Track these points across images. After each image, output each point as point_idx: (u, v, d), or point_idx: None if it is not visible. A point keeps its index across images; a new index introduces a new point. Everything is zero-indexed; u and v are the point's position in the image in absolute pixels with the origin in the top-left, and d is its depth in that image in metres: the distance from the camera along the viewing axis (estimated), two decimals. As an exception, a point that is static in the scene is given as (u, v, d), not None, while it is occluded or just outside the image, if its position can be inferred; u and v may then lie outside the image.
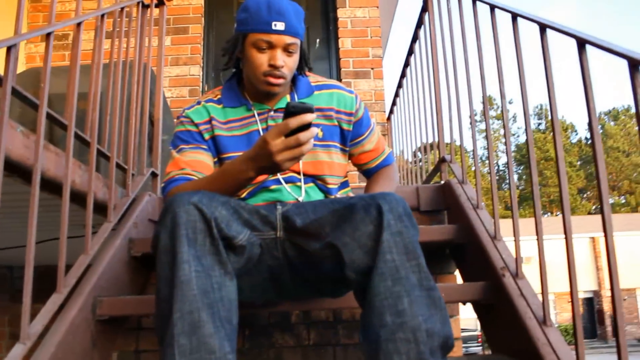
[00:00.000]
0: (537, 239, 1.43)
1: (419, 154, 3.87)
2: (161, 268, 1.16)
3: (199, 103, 1.56)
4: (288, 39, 1.42)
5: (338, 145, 1.59)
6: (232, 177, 1.31)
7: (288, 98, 1.55)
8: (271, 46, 1.42)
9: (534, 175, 1.40)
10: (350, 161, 1.70)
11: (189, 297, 1.10)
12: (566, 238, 1.37)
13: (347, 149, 1.63)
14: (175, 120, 1.58)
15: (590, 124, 1.11)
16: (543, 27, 1.39)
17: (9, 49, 1.36)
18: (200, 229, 1.16)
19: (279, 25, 1.41)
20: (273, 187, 1.50)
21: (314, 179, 1.54)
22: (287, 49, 1.43)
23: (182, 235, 1.14)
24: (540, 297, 1.48)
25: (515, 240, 1.60)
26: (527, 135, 1.47)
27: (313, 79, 1.62)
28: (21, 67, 4.55)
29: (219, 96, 1.57)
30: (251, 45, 1.43)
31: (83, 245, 1.73)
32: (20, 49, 4.95)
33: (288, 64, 1.44)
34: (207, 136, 1.52)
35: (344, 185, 1.65)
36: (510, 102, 44.40)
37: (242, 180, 1.30)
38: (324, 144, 1.55)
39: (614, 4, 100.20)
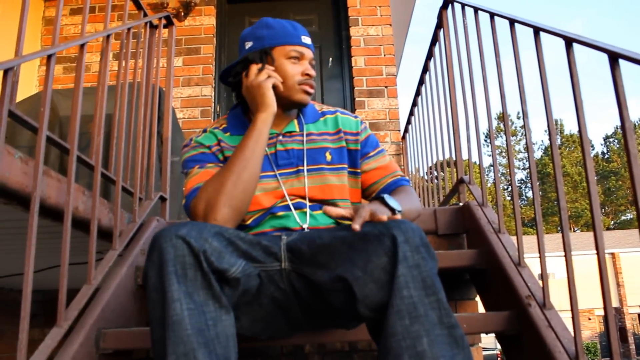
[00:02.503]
0: (567, 272, 1.33)
1: (434, 172, 3.78)
2: (152, 307, 1.09)
3: (205, 131, 1.55)
4: (312, 54, 1.51)
5: (348, 167, 1.54)
6: (247, 140, 1.37)
7: (295, 122, 1.54)
8: (301, 58, 1.48)
9: (562, 200, 1.31)
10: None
11: (182, 337, 1.03)
12: (598, 256, 1.26)
13: (359, 171, 1.57)
14: (183, 148, 1.53)
15: (626, 146, 1.02)
16: (569, 42, 1.31)
17: (6, 71, 1.30)
18: (190, 264, 1.09)
19: (307, 40, 1.51)
20: (280, 213, 1.44)
21: (323, 204, 1.47)
22: (311, 63, 1.50)
23: (171, 272, 1.07)
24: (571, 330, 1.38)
25: (542, 270, 1.50)
26: (552, 156, 1.38)
27: (318, 106, 1.63)
28: (33, 90, 4.55)
29: (224, 125, 1.56)
30: (282, 56, 1.47)
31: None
32: (33, 72, 4.96)
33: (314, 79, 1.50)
34: (220, 157, 1.50)
35: None
36: (518, 117, 44.04)
37: (260, 134, 1.38)
38: (334, 167, 1.51)
39: (621, 18, 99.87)
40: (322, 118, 1.58)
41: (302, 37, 1.49)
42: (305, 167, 1.48)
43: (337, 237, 1.20)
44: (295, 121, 1.54)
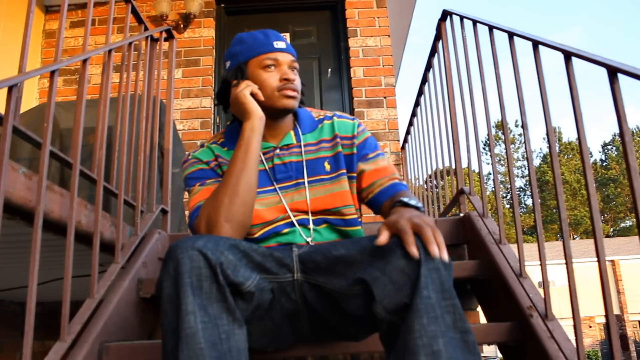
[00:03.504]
0: (569, 286, 1.34)
1: (433, 180, 3.79)
2: (166, 318, 1.10)
3: (202, 146, 1.55)
4: (291, 57, 1.48)
5: (346, 173, 1.50)
6: (237, 152, 1.36)
7: (292, 134, 1.52)
8: (277, 64, 1.45)
9: (563, 212, 1.32)
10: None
11: (195, 350, 1.03)
12: (599, 262, 1.27)
13: (354, 174, 1.52)
14: (182, 165, 1.54)
15: (626, 158, 1.03)
16: (568, 56, 1.32)
17: (10, 88, 1.31)
18: (206, 276, 1.09)
19: (281, 44, 1.47)
20: (286, 230, 1.44)
21: (326, 216, 1.47)
22: (291, 67, 1.47)
23: (187, 284, 1.07)
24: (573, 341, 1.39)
25: (543, 281, 1.50)
26: (553, 169, 1.39)
27: (315, 113, 1.59)
28: (34, 102, 4.56)
29: (221, 140, 1.55)
30: (257, 67, 1.45)
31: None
32: (34, 84, 4.99)
33: (296, 81, 1.46)
34: (219, 172, 1.49)
35: (360, 222, 1.55)
36: (522, 126, 44.01)
37: (249, 143, 1.37)
38: (333, 176, 1.49)
39: (620, 24, 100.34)
40: (319, 125, 1.55)
41: (275, 43, 1.47)
42: (306, 180, 1.47)
43: (355, 247, 1.21)
44: (292, 132, 1.52)
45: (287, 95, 1.44)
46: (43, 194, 1.40)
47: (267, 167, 1.48)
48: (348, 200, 1.48)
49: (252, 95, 1.44)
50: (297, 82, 1.47)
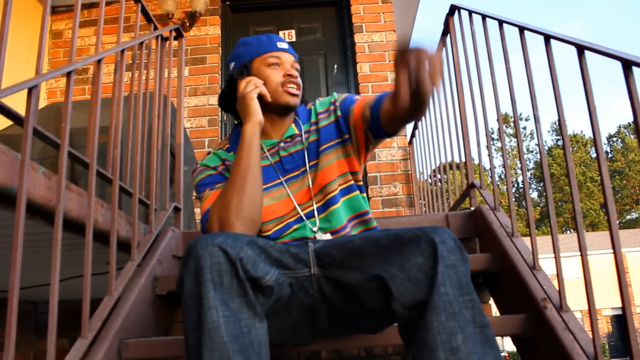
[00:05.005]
0: (584, 277, 1.35)
1: (442, 174, 3.80)
2: (188, 313, 1.12)
3: (209, 153, 1.60)
4: (293, 58, 1.56)
5: (336, 140, 1.55)
6: (240, 152, 1.40)
7: (294, 126, 1.58)
8: (280, 63, 1.53)
9: (577, 204, 1.33)
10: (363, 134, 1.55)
11: (218, 344, 1.05)
12: (615, 254, 1.28)
13: (348, 135, 1.56)
14: (192, 174, 1.58)
15: (641, 151, 1.04)
16: (581, 49, 1.33)
17: (30, 90, 1.33)
18: (226, 271, 1.11)
19: (284, 45, 1.56)
20: (296, 226, 1.48)
21: (327, 191, 1.50)
22: (293, 66, 1.54)
23: (208, 280, 1.09)
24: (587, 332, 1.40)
25: (557, 272, 1.52)
26: (566, 160, 1.40)
27: (308, 107, 1.67)
28: (42, 103, 4.59)
29: (227, 145, 1.61)
30: (261, 65, 1.52)
31: (107, 284, 1.69)
32: (41, 85, 5.00)
33: (298, 79, 1.53)
34: (227, 176, 1.53)
35: (358, 186, 1.56)
36: (526, 119, 43.89)
37: (251, 144, 1.40)
38: (326, 150, 1.54)
39: (621, 18, 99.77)
40: (311, 115, 1.63)
41: (278, 43, 1.55)
42: (307, 165, 1.53)
43: (369, 240, 1.23)
44: (293, 125, 1.59)
45: (290, 92, 1.50)
46: (62, 194, 1.42)
47: (272, 162, 1.54)
48: (344, 169, 1.54)
49: (260, 96, 1.48)
50: (299, 81, 1.54)
